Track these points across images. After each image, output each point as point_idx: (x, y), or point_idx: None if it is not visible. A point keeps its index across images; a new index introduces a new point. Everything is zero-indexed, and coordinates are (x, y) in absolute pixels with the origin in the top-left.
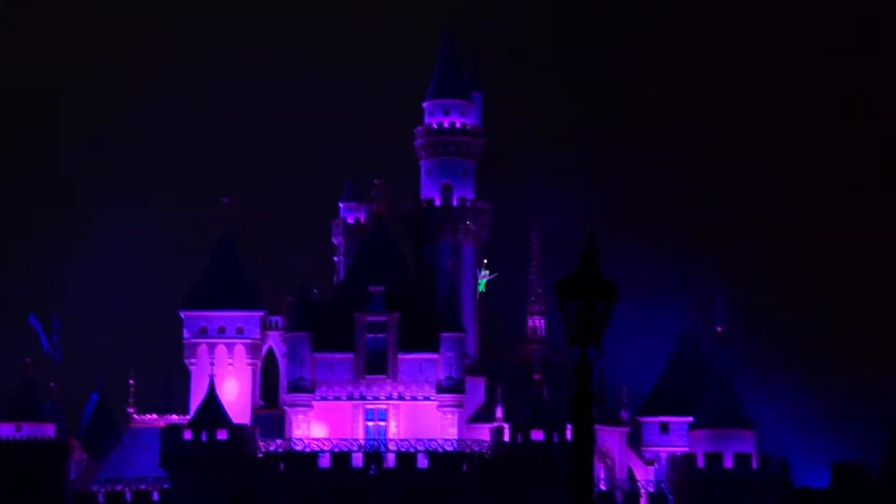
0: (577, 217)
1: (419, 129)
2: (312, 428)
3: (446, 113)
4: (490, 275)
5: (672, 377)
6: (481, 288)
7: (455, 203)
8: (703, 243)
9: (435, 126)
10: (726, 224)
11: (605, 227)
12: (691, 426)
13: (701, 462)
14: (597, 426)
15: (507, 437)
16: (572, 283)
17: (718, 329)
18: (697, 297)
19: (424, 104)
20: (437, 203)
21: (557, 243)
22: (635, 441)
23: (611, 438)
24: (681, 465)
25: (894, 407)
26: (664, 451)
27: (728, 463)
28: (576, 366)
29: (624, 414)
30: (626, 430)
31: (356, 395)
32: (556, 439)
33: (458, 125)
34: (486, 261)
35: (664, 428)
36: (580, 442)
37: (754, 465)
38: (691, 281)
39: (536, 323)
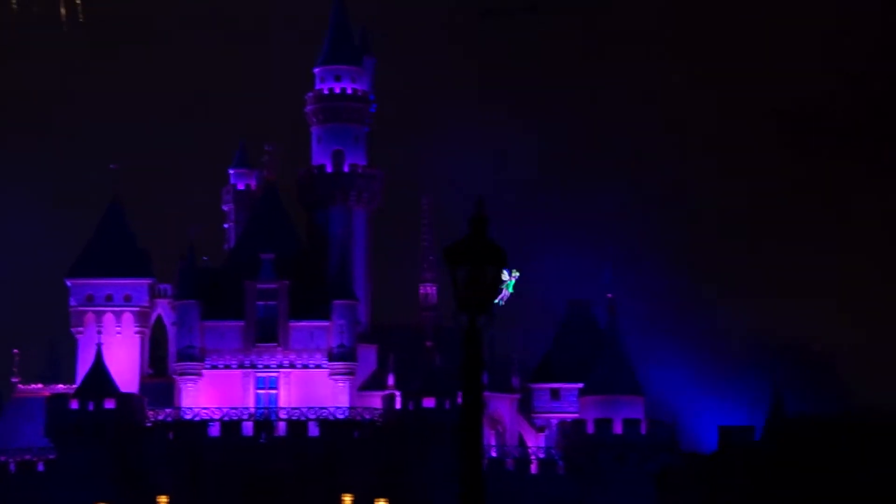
0: (469, 183)
1: (310, 95)
2: (202, 397)
3: (337, 79)
4: (516, 275)
5: (563, 344)
6: (510, 289)
7: (346, 170)
8: (596, 210)
9: (326, 92)
10: (619, 190)
11: (497, 194)
12: (581, 392)
13: (591, 428)
14: (488, 393)
15: (398, 405)
16: (461, 250)
17: (609, 296)
18: (589, 264)
19: (315, 70)
20: (329, 170)
21: (450, 209)
22: (526, 408)
23: (502, 405)
24: (570, 431)
25: (780, 372)
26: (555, 418)
27: (617, 429)
28: (465, 332)
29: (515, 381)
30: (517, 396)
31: (246, 363)
32: (447, 406)
33: (349, 91)
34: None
35: (555, 395)
36: (469, 408)
37: (643, 430)
38: (583, 248)
39: (428, 290)
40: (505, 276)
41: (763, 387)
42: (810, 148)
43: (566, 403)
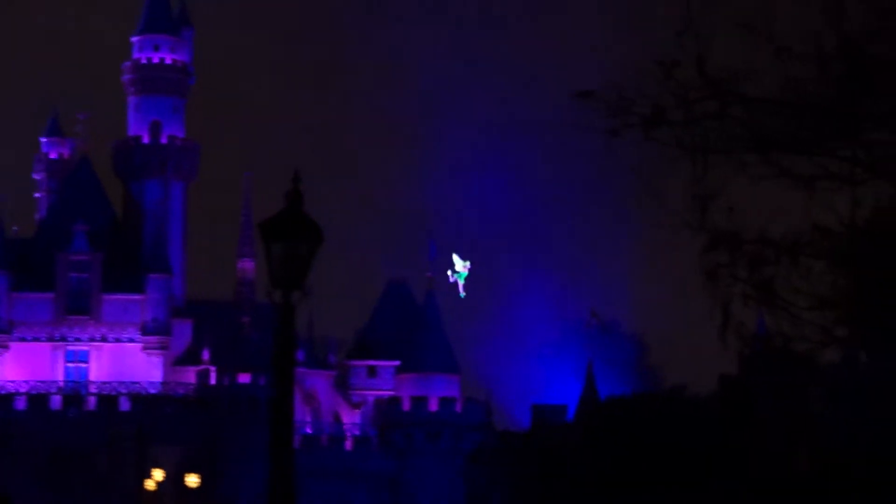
0: (290, 158)
1: (127, 64)
2: (9, 370)
3: (156, 49)
4: (467, 265)
5: (380, 322)
6: (462, 279)
7: (164, 141)
8: (416, 188)
9: (144, 62)
10: (438, 169)
11: (316, 169)
12: (398, 370)
13: (406, 405)
14: (304, 370)
15: (213, 380)
16: (276, 225)
17: (428, 275)
18: (408, 242)
19: (133, 39)
20: (146, 140)
21: (270, 184)
22: (343, 385)
23: (318, 382)
24: (386, 408)
25: (595, 350)
26: (371, 395)
27: (433, 406)
28: (279, 308)
29: (332, 357)
30: (333, 373)
31: (56, 336)
32: (262, 382)
33: (167, 61)
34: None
35: (372, 372)
36: (281, 384)
37: (458, 408)
38: (402, 226)
39: (246, 265)
40: (459, 265)
41: (579, 366)
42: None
43: (382, 381)
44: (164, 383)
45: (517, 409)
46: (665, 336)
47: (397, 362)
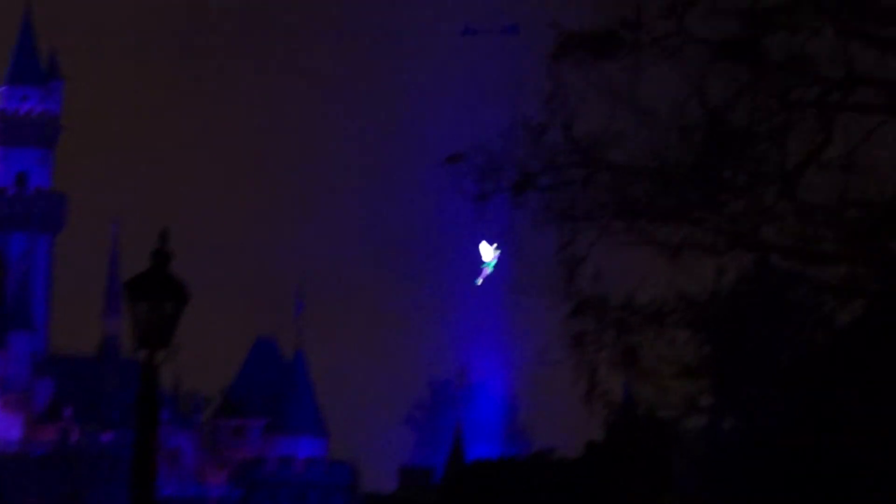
0: (160, 210)
1: None
2: None
3: (23, 99)
4: (498, 253)
5: (248, 379)
6: (491, 268)
7: (30, 192)
8: (286, 245)
9: (10, 112)
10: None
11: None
12: (265, 430)
13: (272, 466)
14: (169, 428)
15: (74, 438)
16: (141, 283)
17: (298, 334)
18: (277, 299)
19: (1, 89)
20: (11, 192)
21: (140, 235)
22: (210, 444)
23: (183, 441)
24: (253, 468)
25: (464, 412)
26: (238, 454)
27: (299, 467)
28: (143, 367)
29: (198, 416)
30: (199, 432)
31: None
32: (125, 440)
33: (35, 112)
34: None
35: (238, 431)
36: (143, 443)
37: (324, 469)
38: (271, 283)
39: (111, 320)
40: (489, 254)
41: (447, 428)
42: None
43: (249, 440)
44: (23, 441)
45: (385, 471)
46: (534, 399)
47: (264, 421)
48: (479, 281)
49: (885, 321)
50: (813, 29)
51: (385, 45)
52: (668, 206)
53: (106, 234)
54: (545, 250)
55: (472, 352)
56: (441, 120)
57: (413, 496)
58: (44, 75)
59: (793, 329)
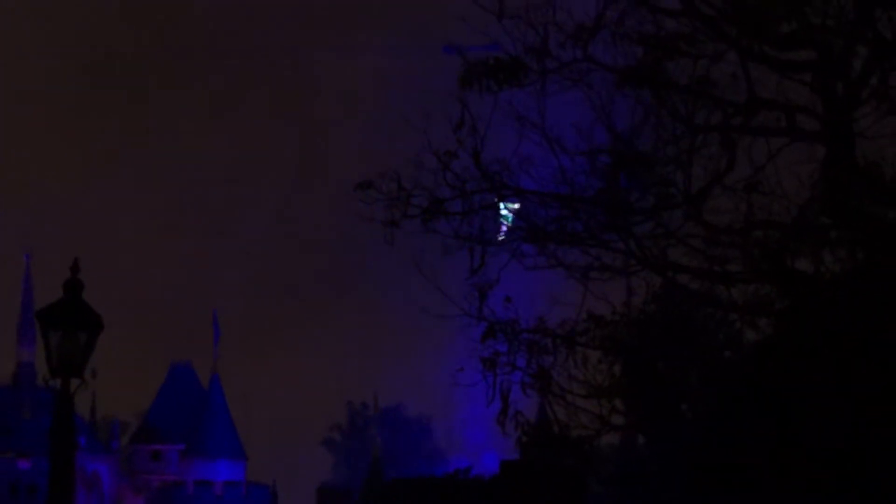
0: (73, 239)
1: None
2: None
3: None
4: (515, 207)
5: (165, 405)
6: (510, 221)
7: None
8: (201, 271)
9: None
10: (225, 250)
11: (102, 250)
12: (182, 454)
13: (191, 489)
14: (87, 454)
15: None
16: (53, 313)
17: (214, 359)
18: (192, 325)
19: None
20: None
21: (53, 264)
22: (127, 469)
23: (101, 467)
24: (171, 492)
25: (381, 433)
26: (155, 479)
27: (218, 490)
28: (57, 396)
29: (115, 442)
30: (116, 458)
31: None
32: (42, 468)
33: None
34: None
35: (156, 456)
36: (59, 471)
37: (243, 492)
38: (186, 309)
39: (26, 349)
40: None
41: (364, 449)
42: None
43: (167, 465)
44: None
45: (303, 492)
46: (450, 420)
47: (182, 446)
48: (501, 237)
49: (791, 339)
50: (715, 54)
51: (299, 71)
52: (576, 229)
53: (18, 263)
54: (457, 275)
55: (388, 374)
56: (354, 148)
57: None
58: None
59: (702, 348)
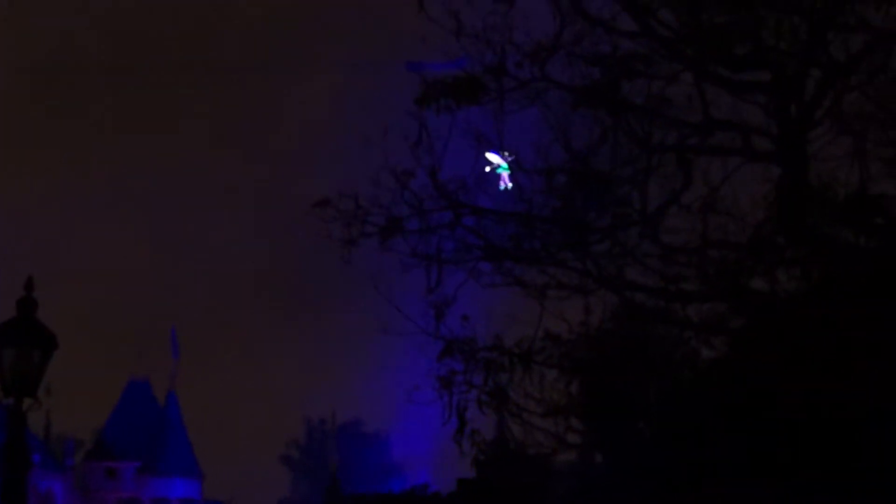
0: (27, 257)
1: None
2: None
3: None
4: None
5: (120, 421)
6: (507, 169)
7: None
8: (158, 285)
9: None
10: (182, 264)
11: (57, 264)
12: (139, 471)
13: None
14: (41, 471)
15: None
16: (6, 332)
17: (171, 375)
18: (148, 340)
19: None
20: None
21: (7, 280)
22: (82, 487)
23: (55, 485)
24: None
25: (340, 450)
26: (111, 497)
27: None
28: (9, 413)
29: (70, 460)
30: (71, 475)
31: None
32: None
33: None
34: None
35: (111, 473)
36: (12, 490)
37: None
38: (142, 324)
39: None
40: (496, 159)
41: (321, 465)
42: None
43: (122, 482)
44: None
45: None
46: (407, 436)
47: (138, 463)
48: (506, 186)
49: (746, 356)
50: (671, 75)
51: (259, 87)
52: (533, 247)
53: None
54: (414, 292)
55: (345, 389)
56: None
57: None
58: None
59: (658, 366)
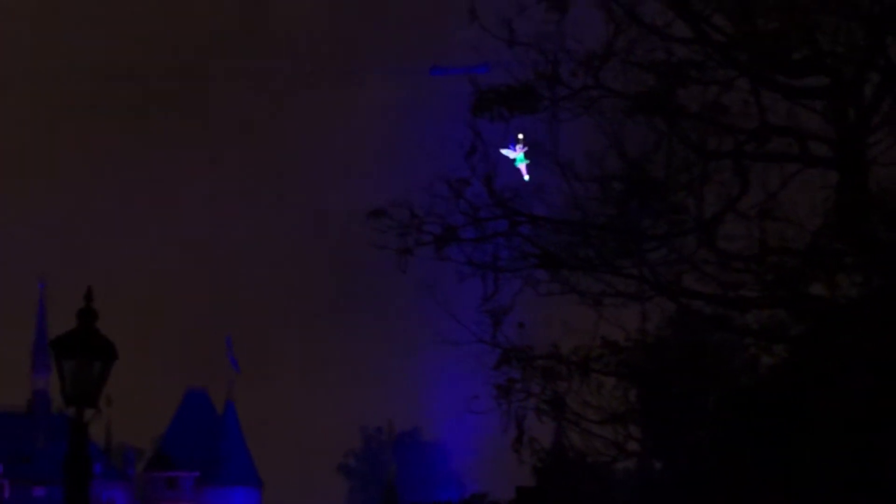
0: (86, 266)
1: None
2: None
3: None
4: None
5: (179, 431)
6: (522, 161)
7: None
8: (217, 297)
9: None
10: (238, 276)
11: (118, 273)
12: (198, 481)
13: None
14: (103, 481)
15: (7, 494)
16: (67, 343)
17: (229, 385)
18: (207, 351)
19: None
20: None
21: (67, 288)
22: (142, 496)
23: (116, 494)
24: None
25: (397, 458)
26: None
27: None
28: (71, 424)
29: (130, 469)
30: (131, 485)
31: None
32: (58, 496)
33: None
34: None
35: (171, 483)
36: (74, 499)
37: None
38: (201, 335)
39: (41, 376)
40: (510, 153)
41: (379, 475)
42: None
43: (182, 492)
44: None
45: None
46: (465, 445)
47: (197, 473)
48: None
49: (806, 364)
50: (726, 81)
51: (312, 101)
52: (589, 255)
53: (33, 291)
54: (470, 302)
55: (402, 399)
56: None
57: None
58: None
59: (717, 373)
